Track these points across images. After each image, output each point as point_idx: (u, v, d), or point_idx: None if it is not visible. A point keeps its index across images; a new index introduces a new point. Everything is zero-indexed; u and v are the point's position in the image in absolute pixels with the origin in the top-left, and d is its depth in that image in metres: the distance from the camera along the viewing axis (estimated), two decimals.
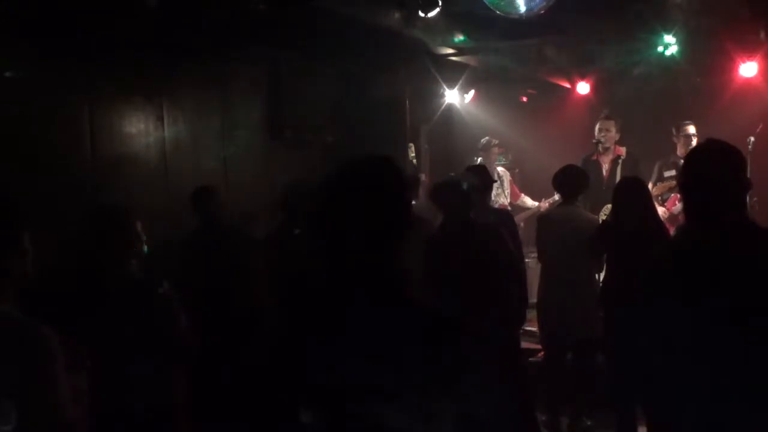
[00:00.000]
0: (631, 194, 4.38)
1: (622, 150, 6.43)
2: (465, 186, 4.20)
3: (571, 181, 4.89)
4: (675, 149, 6.55)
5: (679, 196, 5.55)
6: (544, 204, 7.21)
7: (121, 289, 2.89)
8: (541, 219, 5.25)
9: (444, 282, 3.96)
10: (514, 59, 7.34)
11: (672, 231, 4.96)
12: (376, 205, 1.54)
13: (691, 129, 6.44)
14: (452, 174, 4.92)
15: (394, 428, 1.46)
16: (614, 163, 6.36)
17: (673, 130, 6.57)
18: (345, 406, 1.48)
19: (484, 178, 4.94)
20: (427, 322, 1.53)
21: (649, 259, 2.47)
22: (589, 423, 4.90)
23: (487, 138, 7.58)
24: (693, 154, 2.41)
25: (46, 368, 1.92)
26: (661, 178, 6.54)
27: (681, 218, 5.36)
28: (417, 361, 1.47)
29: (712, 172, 2.22)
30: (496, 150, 7.60)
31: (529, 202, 7.61)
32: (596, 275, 4.88)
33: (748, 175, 2.40)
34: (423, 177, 6.90)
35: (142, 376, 2.85)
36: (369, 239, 1.54)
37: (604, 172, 6.33)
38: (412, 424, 1.45)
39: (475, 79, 7.76)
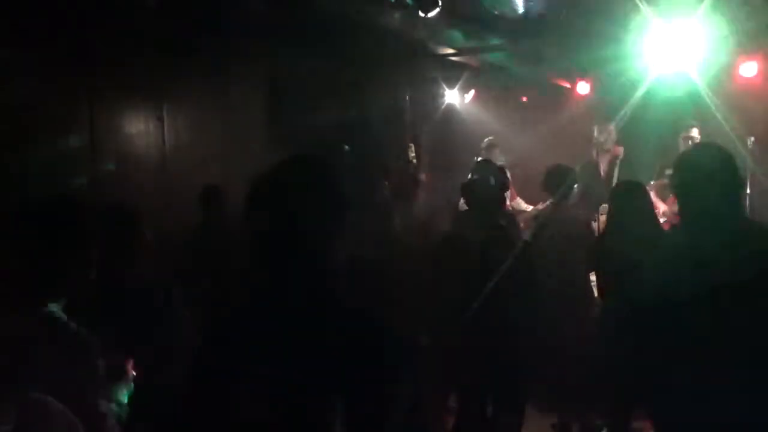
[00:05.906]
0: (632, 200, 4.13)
1: (620, 150, 6.44)
2: (499, 181, 3.91)
3: (559, 180, 4.88)
4: (678, 148, 6.54)
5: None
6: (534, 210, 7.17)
7: (130, 291, 2.88)
8: (534, 219, 5.25)
9: (462, 280, 3.71)
10: (514, 59, 7.34)
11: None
12: (302, 204, 1.55)
13: (694, 132, 6.43)
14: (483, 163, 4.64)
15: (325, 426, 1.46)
16: (611, 163, 6.37)
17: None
18: (276, 396, 1.48)
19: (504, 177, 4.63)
20: (360, 326, 1.53)
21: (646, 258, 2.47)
22: (599, 422, 4.88)
23: (489, 139, 7.57)
24: (685, 156, 2.42)
25: (86, 372, 1.95)
26: (662, 176, 6.54)
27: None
28: (348, 361, 1.47)
29: (706, 170, 2.23)
30: (497, 152, 7.58)
31: (522, 205, 7.58)
32: (589, 275, 4.86)
33: (748, 175, 2.41)
34: (423, 177, 6.90)
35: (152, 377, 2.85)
36: (297, 238, 1.54)
37: (602, 173, 6.34)
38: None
39: (475, 79, 7.77)
